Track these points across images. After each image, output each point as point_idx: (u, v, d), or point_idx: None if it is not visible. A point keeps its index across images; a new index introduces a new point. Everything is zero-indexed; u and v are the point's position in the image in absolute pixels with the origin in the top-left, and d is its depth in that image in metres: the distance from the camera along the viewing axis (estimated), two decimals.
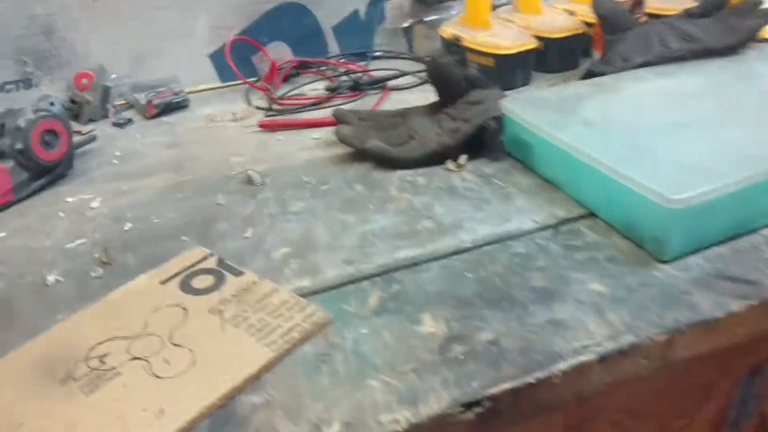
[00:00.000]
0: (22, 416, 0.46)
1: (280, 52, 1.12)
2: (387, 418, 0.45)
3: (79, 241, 0.67)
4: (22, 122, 0.75)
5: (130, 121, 0.98)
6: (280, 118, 0.94)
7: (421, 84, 1.02)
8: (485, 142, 0.77)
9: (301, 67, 1.11)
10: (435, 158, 0.76)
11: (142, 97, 1.00)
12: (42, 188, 0.77)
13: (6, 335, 0.54)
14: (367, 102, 0.97)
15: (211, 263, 0.60)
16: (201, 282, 0.58)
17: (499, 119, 0.76)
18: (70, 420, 0.45)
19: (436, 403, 0.46)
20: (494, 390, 0.47)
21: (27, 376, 0.49)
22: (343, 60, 1.14)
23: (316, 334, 0.52)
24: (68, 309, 0.57)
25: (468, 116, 0.78)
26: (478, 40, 0.97)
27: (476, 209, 0.67)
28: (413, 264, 0.59)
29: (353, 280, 0.58)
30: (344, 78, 1.05)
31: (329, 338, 0.52)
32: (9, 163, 0.74)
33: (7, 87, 1.00)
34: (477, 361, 0.49)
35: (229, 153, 0.84)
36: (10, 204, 0.74)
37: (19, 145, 0.75)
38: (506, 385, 0.47)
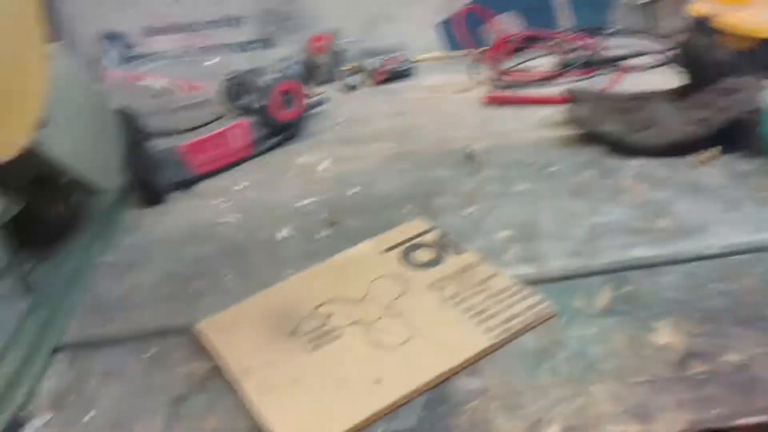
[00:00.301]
0: (252, 362, 0.48)
1: (508, 24, 1.08)
2: (614, 429, 0.41)
3: (308, 200, 0.70)
4: (264, 81, 0.80)
5: (357, 86, 1.00)
6: (506, 93, 0.91)
7: (660, 65, 0.94)
8: (737, 137, 0.69)
9: (529, 41, 1.06)
10: (678, 149, 0.69)
11: (370, 63, 1.02)
12: (276, 146, 0.82)
13: (243, 283, 0.58)
14: (599, 82, 0.91)
15: (432, 237, 0.60)
16: (422, 255, 0.57)
17: (758, 112, 0.67)
18: (294, 374, 0.47)
19: (669, 424, 0.41)
20: (741, 421, 0.41)
21: (260, 324, 0.52)
22: (575, 34, 1.07)
23: (538, 326, 0.50)
24: (295, 265, 0.59)
25: (722, 106, 0.69)
26: (735, 20, 0.86)
27: (726, 211, 0.60)
28: (649, 265, 0.54)
29: (580, 275, 0.54)
30: (575, 54, 0.99)
31: (552, 334, 0.49)
32: (251, 119, 0.79)
33: (251, 46, 1.06)
34: (720, 385, 0.43)
35: (451, 126, 0.83)
36: (249, 157, 0.79)
37: (260, 103, 0.79)
38: (756, 419, 0.41)
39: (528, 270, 0.56)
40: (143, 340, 0.53)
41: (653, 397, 0.43)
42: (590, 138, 0.74)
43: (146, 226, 0.69)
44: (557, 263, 0.56)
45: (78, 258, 0.61)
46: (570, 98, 0.79)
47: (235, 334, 0.51)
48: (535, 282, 0.54)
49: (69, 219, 0.63)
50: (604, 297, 0.52)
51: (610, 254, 0.56)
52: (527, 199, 0.65)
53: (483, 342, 0.48)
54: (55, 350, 0.53)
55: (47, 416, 0.47)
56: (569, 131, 0.77)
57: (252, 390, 0.46)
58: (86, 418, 0.47)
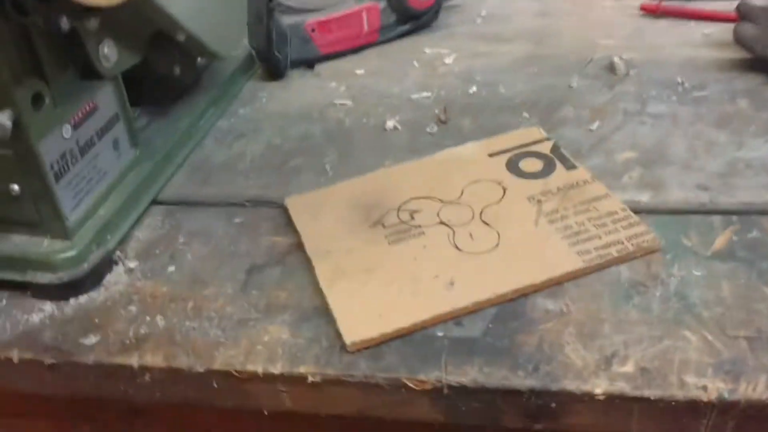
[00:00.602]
0: (330, 245, 0.48)
1: None
2: (694, 381, 0.37)
3: (424, 94, 0.66)
4: None
5: None
6: (667, 4, 0.81)
7: None
8: None
9: None
10: None
11: None
12: (404, 34, 0.78)
13: (341, 167, 0.57)
14: None
15: (545, 148, 0.55)
16: (529, 165, 0.53)
17: None
18: (368, 263, 0.46)
19: (760, 388, 0.36)
20: None
21: (345, 209, 0.51)
22: None
23: (638, 258, 0.45)
24: (397, 157, 0.57)
25: None
26: None
27: None
28: None
29: (702, 211, 0.48)
30: None
31: (652, 268, 0.44)
32: (382, 4, 0.76)
33: None
34: None
35: (597, 33, 0.75)
36: (374, 43, 0.77)
37: None
38: None
39: (643, 197, 0.50)
40: (235, 207, 0.54)
41: (751, 356, 0.38)
42: (754, 64, 0.64)
43: (263, 98, 0.69)
44: (678, 194, 0.50)
45: (192, 120, 0.62)
46: (740, 16, 0.68)
47: (319, 215, 0.50)
48: (648, 211, 0.49)
49: (188, 81, 0.64)
50: (722, 239, 0.45)
51: (744, 194, 0.49)
52: (663, 122, 0.58)
53: (573, 263, 0.44)
54: (153, 203, 0.55)
55: (134, 263, 0.49)
56: (731, 54, 0.67)
57: (323, 272, 0.45)
58: (168, 270, 0.48)
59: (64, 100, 0.47)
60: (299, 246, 0.49)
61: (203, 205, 0.55)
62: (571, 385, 0.37)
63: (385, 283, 0.44)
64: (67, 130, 0.47)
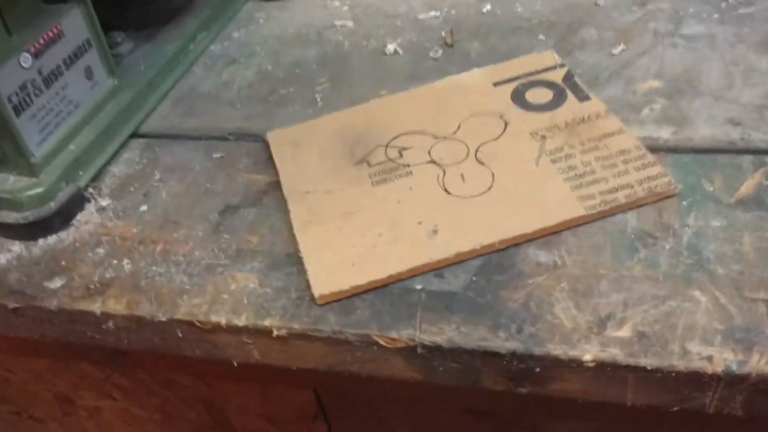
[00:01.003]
0: (309, 185, 0.44)
1: None
2: (698, 349, 0.32)
3: (432, 13, 0.60)
4: None
5: None
6: None
7: None
8: None
9: None
10: None
11: None
12: None
13: (334, 96, 0.52)
14: None
15: (556, 76, 0.49)
16: (536, 95, 0.48)
17: None
18: (348, 206, 0.42)
19: None
20: None
21: (329, 145, 0.46)
22: None
23: (649, 205, 0.40)
24: (395, 86, 0.52)
25: None
26: None
27: None
28: None
29: (731, 149, 0.42)
30: None
31: (664, 217, 0.39)
32: None
33: None
34: None
35: None
36: None
37: None
38: None
39: (664, 133, 0.44)
40: (217, 141, 0.50)
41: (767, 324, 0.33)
42: None
43: (260, 20, 0.64)
44: (705, 130, 0.44)
45: (180, 45, 0.58)
46: None
47: (301, 151, 0.46)
48: (668, 150, 0.43)
49: (178, 2, 0.60)
50: (750, 184, 0.40)
51: None
52: (698, 45, 0.51)
53: (573, 210, 0.39)
54: (133, 135, 0.52)
55: (107, 201, 0.46)
56: None
57: (298, 215, 0.42)
58: (141, 210, 0.45)
59: (21, 26, 0.43)
60: (277, 185, 0.45)
61: (184, 138, 0.51)
62: (556, 349, 0.33)
63: (363, 228, 0.40)
64: (26, 59, 0.44)
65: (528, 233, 0.38)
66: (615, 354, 0.33)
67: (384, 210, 0.41)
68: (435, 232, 0.39)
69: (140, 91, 0.53)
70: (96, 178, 0.48)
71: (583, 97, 0.47)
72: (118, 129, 0.51)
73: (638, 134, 0.44)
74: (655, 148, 0.43)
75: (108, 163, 0.49)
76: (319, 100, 0.52)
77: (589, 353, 0.33)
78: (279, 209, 0.43)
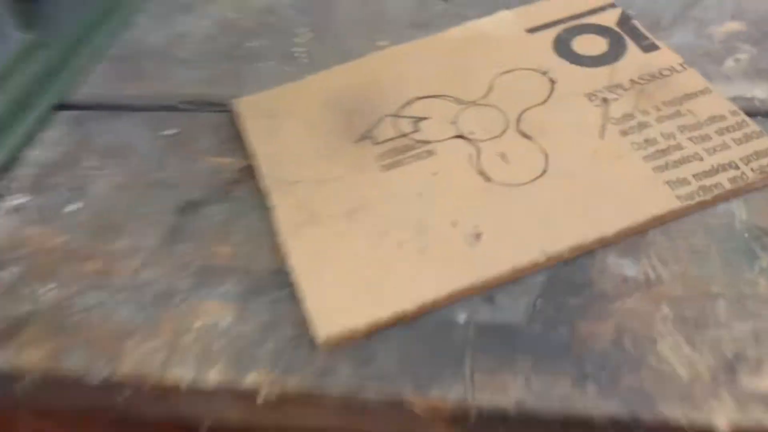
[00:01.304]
0: (296, 171, 0.32)
1: None
2: None
3: None
4: None
5: None
6: None
7: None
8: None
9: None
10: None
11: None
12: None
13: (318, 50, 0.41)
14: None
15: (609, 19, 0.38)
16: (586, 45, 0.37)
17: None
18: (352, 200, 0.31)
19: None
20: None
21: (320, 114, 0.35)
22: None
23: (759, 191, 0.30)
24: (395, 34, 0.41)
25: None
26: None
27: None
28: None
29: None
30: None
31: None
32: None
33: None
34: None
35: None
36: None
37: None
38: None
39: (759, 92, 0.34)
40: (169, 112, 0.38)
41: None
42: None
43: None
44: None
45: None
46: None
47: (281, 125, 0.35)
48: (766, 114, 0.33)
49: None
50: None
51: None
52: None
53: (664, 201, 0.29)
54: (57, 108, 0.39)
55: (24, 198, 0.35)
56: None
57: (285, 214, 0.31)
58: (69, 209, 0.34)
59: None
60: (252, 171, 0.33)
61: (126, 109, 0.39)
62: (673, 410, 0.23)
63: (376, 233, 0.29)
64: None
65: (607, 236, 0.28)
66: (760, 417, 0.23)
67: (402, 206, 0.30)
68: (477, 236, 0.28)
69: (66, 47, 0.41)
70: (7, 166, 0.36)
71: (648, 46, 0.36)
72: (36, 99, 0.38)
73: (726, 93, 0.33)
74: (750, 112, 0.33)
75: (23, 145, 0.37)
76: (299, 55, 0.41)
77: (721, 416, 0.23)
78: (257, 205, 0.32)
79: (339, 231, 0.29)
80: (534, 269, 0.28)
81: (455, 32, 0.39)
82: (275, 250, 0.30)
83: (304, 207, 0.31)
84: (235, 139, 0.35)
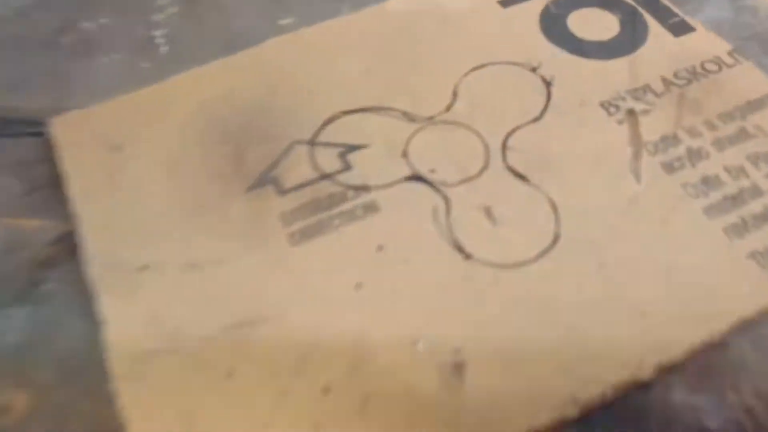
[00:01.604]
0: (145, 254, 0.19)
1: None
2: None
3: None
4: None
5: None
6: None
7: None
8: None
9: None
10: None
11: None
12: None
13: (188, 32, 0.27)
14: None
15: None
16: (589, 23, 0.25)
17: None
18: (231, 319, 0.18)
19: None
20: None
21: (189, 144, 0.22)
22: None
23: None
24: (304, 11, 0.28)
25: None
26: None
27: None
28: None
29: None
30: None
31: None
32: None
33: None
34: None
35: None
36: None
37: None
38: None
39: None
40: None
41: None
42: None
43: None
44: None
45: None
46: None
47: (126, 165, 0.21)
48: None
49: None
50: None
51: None
52: None
53: (750, 290, 0.18)
54: None
55: None
56: None
57: (120, 338, 0.17)
58: None
59: None
60: (73, 248, 0.20)
61: None
62: None
63: (274, 388, 0.17)
64: None
65: (672, 358, 0.17)
66: None
67: (325, 316, 0.18)
68: (458, 368, 0.16)
69: None
70: None
71: (678, 26, 0.25)
72: None
73: None
74: None
75: None
76: (159, 41, 0.27)
77: None
78: (79, 311, 0.19)
79: (215, 379, 0.17)
80: (558, 428, 0.16)
81: (396, 4, 0.26)
82: (104, 401, 0.17)
83: (156, 321, 0.18)
84: (50, 186, 0.22)
